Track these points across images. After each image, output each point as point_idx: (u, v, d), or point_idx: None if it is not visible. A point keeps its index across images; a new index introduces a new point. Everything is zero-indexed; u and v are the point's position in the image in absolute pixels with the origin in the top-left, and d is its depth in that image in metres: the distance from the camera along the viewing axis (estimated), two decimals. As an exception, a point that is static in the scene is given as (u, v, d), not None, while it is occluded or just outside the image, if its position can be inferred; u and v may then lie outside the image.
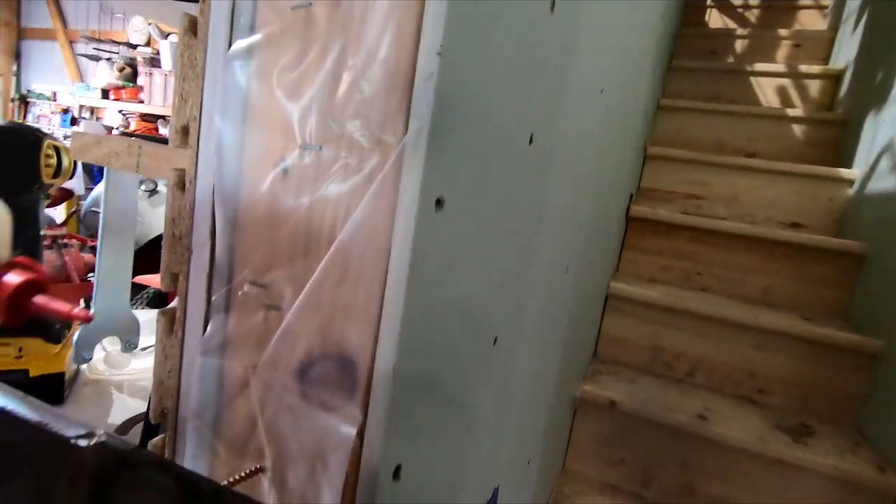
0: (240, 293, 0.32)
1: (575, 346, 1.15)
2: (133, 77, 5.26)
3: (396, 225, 0.27)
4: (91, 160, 0.42)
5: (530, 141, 0.41)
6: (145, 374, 0.80)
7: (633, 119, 1.32)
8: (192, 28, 0.31)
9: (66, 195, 3.34)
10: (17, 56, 6.72)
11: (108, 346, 0.58)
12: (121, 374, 0.70)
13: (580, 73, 0.54)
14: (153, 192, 3.12)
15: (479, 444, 0.47)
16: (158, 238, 2.90)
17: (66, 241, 2.97)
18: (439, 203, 0.28)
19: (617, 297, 1.55)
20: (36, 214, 0.81)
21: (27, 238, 0.77)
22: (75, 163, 0.90)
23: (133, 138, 0.41)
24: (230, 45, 0.30)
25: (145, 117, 5.03)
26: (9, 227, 0.24)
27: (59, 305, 0.23)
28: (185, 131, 0.32)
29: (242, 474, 0.31)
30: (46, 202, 0.87)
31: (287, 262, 0.30)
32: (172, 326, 0.34)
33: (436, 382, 0.33)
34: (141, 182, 3.07)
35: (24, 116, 6.25)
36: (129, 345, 0.53)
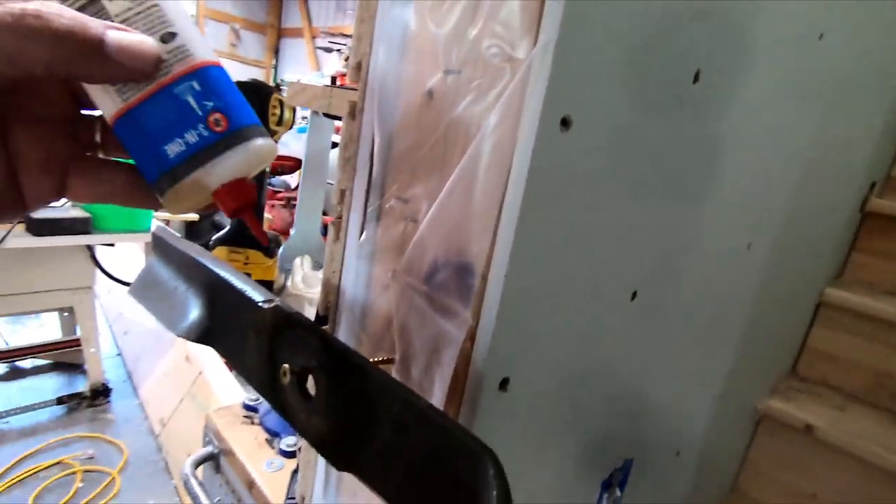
0: (387, 206, 0.37)
1: (757, 351, 1.00)
2: (358, 65, 6.07)
3: (518, 141, 0.28)
4: (300, 103, 0.52)
5: (695, 79, 0.38)
6: None
7: (877, 83, 1.05)
8: (370, -24, 0.36)
9: (298, 164, 4.06)
10: (276, 52, 8.28)
11: (304, 266, 0.72)
12: (313, 292, 0.86)
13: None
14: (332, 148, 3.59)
15: (606, 397, 0.46)
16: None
17: (296, 202, 3.61)
18: (565, 122, 0.29)
19: (834, 307, 1.27)
20: None
21: (256, 175, 0.99)
22: (292, 117, 1.11)
23: (326, 86, 0.50)
24: (398, -13, 0.35)
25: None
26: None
27: (256, 224, 0.31)
28: (358, 67, 0.38)
29: (376, 360, 0.36)
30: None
31: (426, 178, 0.34)
32: (338, 234, 0.41)
33: (551, 306, 0.34)
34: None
35: (277, 101, 7.67)
36: (318, 264, 0.65)
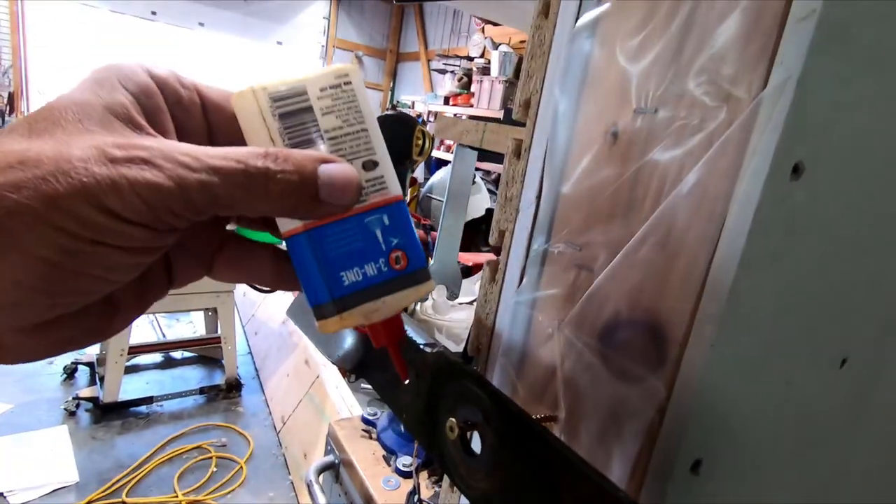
0: (556, 251, 0.34)
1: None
2: (468, 85, 6.21)
3: (737, 191, 0.24)
4: (448, 137, 0.52)
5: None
6: (460, 323, 0.96)
7: None
8: (545, 10, 0.35)
9: (412, 182, 4.22)
10: (394, 75, 8.77)
11: (436, 295, 0.73)
12: (442, 319, 0.86)
13: None
14: (472, 182, 3.64)
15: (800, 485, 0.39)
16: (470, 221, 3.38)
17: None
18: (796, 170, 0.24)
19: None
20: (404, 181, 1.09)
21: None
22: (431, 147, 1.15)
23: (477, 120, 0.49)
24: (576, 20, 0.33)
25: (473, 118, 5.90)
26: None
27: (399, 359, 0.30)
28: (526, 105, 0.36)
29: (538, 416, 0.34)
30: (411, 175, 1.14)
31: (604, 225, 0.31)
32: (495, 275, 0.40)
33: (755, 379, 0.29)
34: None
35: (393, 121, 8.11)
36: (452, 294, 0.65)
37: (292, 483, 2.51)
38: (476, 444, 0.31)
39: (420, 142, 1.05)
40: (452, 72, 6.54)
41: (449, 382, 0.33)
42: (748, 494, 0.32)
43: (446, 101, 6.45)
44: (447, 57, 6.65)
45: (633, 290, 0.29)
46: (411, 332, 0.36)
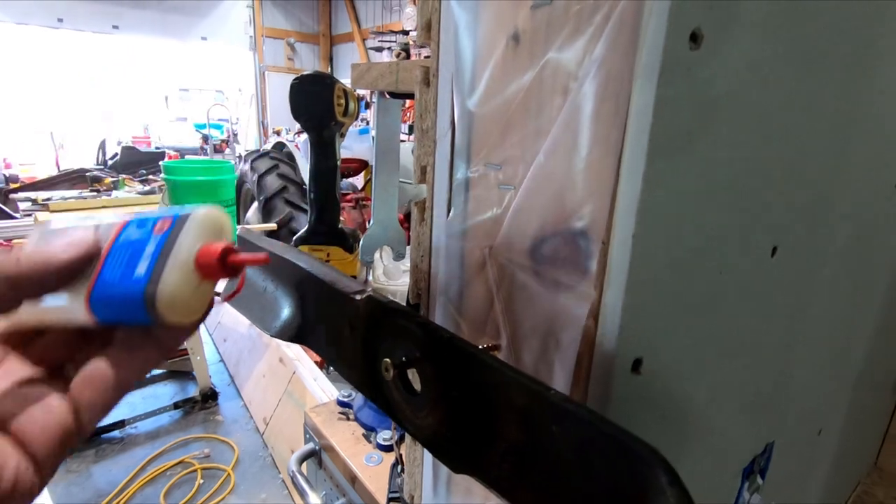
0: (477, 175, 0.33)
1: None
2: (407, 58, 6.08)
3: (638, 66, 0.23)
4: (365, 85, 0.49)
5: (841, -27, 0.30)
6: None
7: None
8: (432, -81, 0.32)
9: (363, 165, 4.14)
10: (330, 59, 8.52)
11: (384, 259, 0.70)
12: (395, 284, 0.84)
13: None
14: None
15: (746, 372, 0.39)
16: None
17: (365, 201, 3.68)
18: (694, 38, 0.23)
19: None
20: (333, 147, 1.04)
21: (327, 168, 0.99)
22: (357, 107, 1.10)
23: (391, 61, 0.46)
24: (464, -77, 0.30)
25: (416, 94, 5.78)
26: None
27: (246, 255, 0.28)
28: (427, 26, 0.34)
29: (482, 346, 0.33)
30: (341, 140, 1.09)
31: (520, 136, 0.30)
32: (423, 215, 0.38)
33: (686, 270, 0.28)
34: (412, 151, 3.58)
35: (336, 107, 7.90)
36: (398, 255, 0.63)
37: (283, 481, 2.49)
38: (417, 384, 0.30)
39: (342, 101, 1.01)
40: (389, 48, 6.39)
41: (381, 324, 0.31)
42: (692, 387, 0.31)
43: (387, 78, 6.29)
44: (382, 34, 6.49)
45: (554, 198, 0.28)
46: (339, 281, 0.34)
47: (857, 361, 0.71)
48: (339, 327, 0.35)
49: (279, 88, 8.14)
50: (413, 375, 0.29)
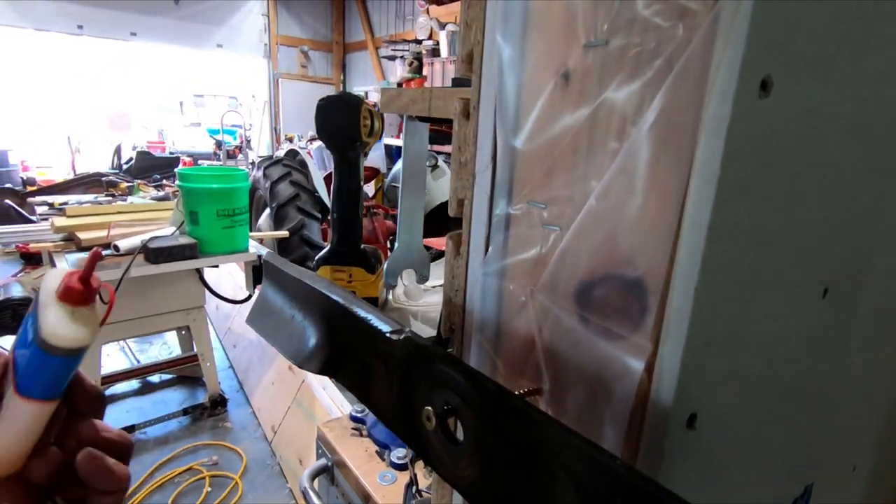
0: (520, 213, 0.32)
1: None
2: (419, 69, 6.11)
3: (705, 116, 0.22)
4: (395, 110, 0.49)
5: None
6: (435, 307, 0.93)
7: None
8: (476, -49, 0.31)
9: (374, 173, 4.15)
10: (343, 67, 8.59)
11: (406, 280, 0.69)
12: (416, 305, 0.83)
13: None
14: (434, 167, 3.60)
15: (792, 416, 0.38)
16: (439, 207, 3.34)
17: (375, 210, 3.68)
18: (764, 86, 0.22)
19: None
20: (358, 167, 1.03)
21: (351, 188, 0.99)
22: (382, 126, 1.10)
23: (424, 88, 0.46)
24: (511, -43, 0.30)
25: (428, 102, 5.78)
26: None
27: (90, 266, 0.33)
28: (469, 58, 0.33)
29: (522, 391, 0.32)
30: (364, 160, 1.09)
31: (567, 177, 0.29)
32: (459, 248, 0.37)
33: (743, 320, 0.27)
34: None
35: (348, 114, 7.92)
36: (422, 277, 0.62)
37: (291, 491, 2.48)
38: (459, 431, 0.29)
39: (368, 121, 1.00)
40: (402, 57, 6.42)
41: (420, 368, 0.30)
42: (747, 438, 0.30)
43: (400, 86, 6.34)
44: (395, 42, 6.52)
45: (605, 243, 0.27)
46: (374, 318, 0.33)
47: (889, 391, 0.69)
48: (373, 364, 0.34)
49: (292, 95, 8.21)
50: (455, 423, 0.28)
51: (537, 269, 0.31)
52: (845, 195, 0.32)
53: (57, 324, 0.31)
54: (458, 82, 0.47)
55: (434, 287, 0.78)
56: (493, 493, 0.26)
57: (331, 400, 2.43)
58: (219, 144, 6.68)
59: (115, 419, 2.89)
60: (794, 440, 0.40)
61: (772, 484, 0.38)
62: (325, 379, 2.60)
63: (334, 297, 0.38)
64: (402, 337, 0.31)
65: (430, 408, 0.28)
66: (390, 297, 0.78)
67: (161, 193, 3.93)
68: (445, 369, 0.28)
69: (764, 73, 0.22)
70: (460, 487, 0.29)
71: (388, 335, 0.32)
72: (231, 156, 6.98)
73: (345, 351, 0.38)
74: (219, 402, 3.06)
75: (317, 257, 1.28)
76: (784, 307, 0.30)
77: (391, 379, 0.32)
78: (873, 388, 0.61)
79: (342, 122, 0.99)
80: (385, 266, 0.63)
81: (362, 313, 0.34)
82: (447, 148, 4.76)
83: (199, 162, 6.61)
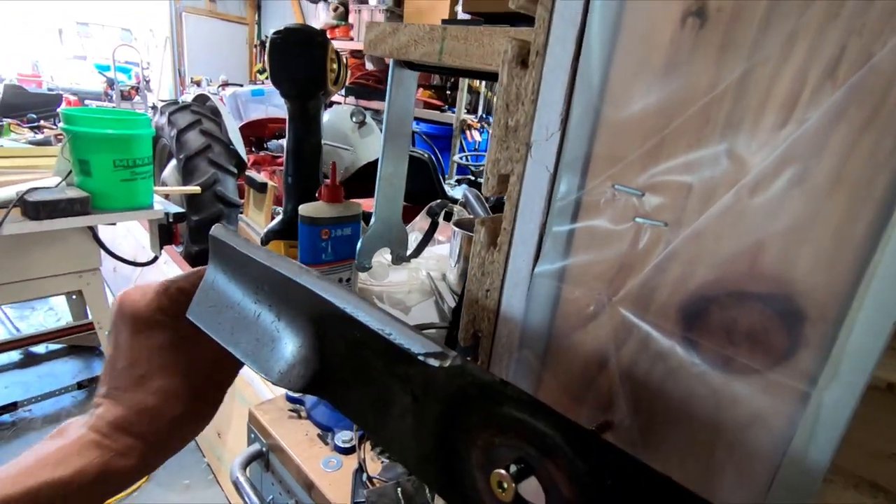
0: (600, 199, 0.24)
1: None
2: (345, 16, 5.67)
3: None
4: (386, 52, 0.38)
5: None
6: (401, 287, 0.84)
7: None
8: None
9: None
10: (258, 6, 7.81)
11: (375, 260, 0.60)
12: (380, 285, 0.74)
13: None
14: (362, 123, 3.39)
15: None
16: (366, 166, 3.17)
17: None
18: None
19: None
20: (319, 120, 0.88)
21: (311, 146, 0.85)
22: (346, 74, 0.95)
23: (433, 25, 0.37)
24: None
25: (354, 53, 5.41)
26: None
27: None
28: (535, -16, 0.24)
29: (594, 427, 0.25)
30: (324, 112, 0.94)
31: (687, 157, 0.21)
32: (496, 239, 0.29)
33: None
34: (351, 115, 3.35)
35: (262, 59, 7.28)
36: (398, 257, 0.54)
37: (209, 465, 2.32)
38: (528, 493, 0.21)
39: (335, 65, 0.85)
40: (326, 1, 5.92)
41: (475, 410, 0.22)
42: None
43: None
44: (318, -17, 5.98)
45: (743, 252, 0.20)
46: (401, 337, 0.25)
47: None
48: (392, 392, 0.26)
49: (199, 33, 7.34)
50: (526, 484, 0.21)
51: (621, 275, 0.24)
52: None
53: None
54: (452, 23, 0.38)
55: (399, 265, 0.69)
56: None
57: (259, 379, 2.28)
58: (111, 83, 5.83)
59: (-9, 396, 2.53)
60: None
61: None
62: (247, 348, 2.43)
63: (330, 298, 0.28)
64: (447, 364, 0.23)
65: (503, 472, 0.20)
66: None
67: (39, 136, 3.37)
68: (526, 417, 0.20)
69: None
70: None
71: (422, 359, 0.24)
72: (126, 97, 6.16)
73: (343, 366, 0.29)
74: (121, 375, 2.77)
75: (265, 229, 1.08)
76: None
77: (425, 416, 0.24)
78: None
79: (306, 65, 0.82)
80: (358, 245, 0.53)
81: (377, 325, 0.26)
82: (375, 104, 4.52)
83: (87, 102, 5.77)
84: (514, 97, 0.26)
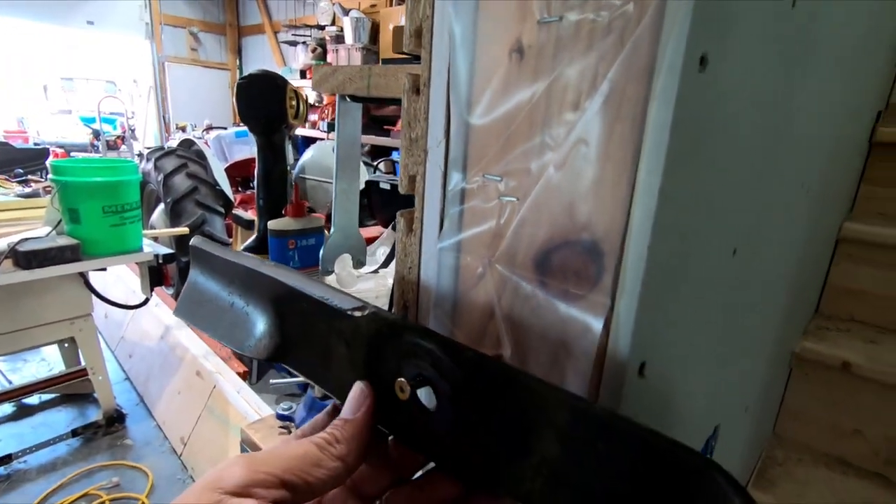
0: (475, 186, 0.33)
1: (798, 295, 0.98)
2: (323, 56, 5.89)
3: (655, 88, 0.24)
4: (329, 89, 0.47)
5: (793, 5, 0.34)
6: (368, 293, 0.92)
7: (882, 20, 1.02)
8: (423, -76, 0.31)
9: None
10: (239, 51, 8.04)
11: (339, 267, 0.68)
12: (349, 292, 0.81)
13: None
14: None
15: (714, 362, 0.43)
16: (352, 196, 3.27)
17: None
18: (703, 61, 0.25)
19: (853, 241, 1.25)
20: (283, 150, 0.99)
21: (279, 171, 0.94)
22: (307, 110, 1.05)
23: (364, 65, 0.44)
24: (460, -67, 0.30)
25: (335, 91, 5.60)
26: None
27: None
28: (418, 33, 0.33)
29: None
30: (289, 143, 1.03)
31: (524, 148, 0.30)
32: (412, 226, 0.37)
33: (682, 275, 0.30)
34: (333, 150, 3.48)
35: (247, 102, 7.43)
36: (358, 262, 0.61)
37: (207, 504, 2.33)
38: (427, 401, 0.29)
39: (294, 101, 0.95)
40: (304, 43, 6.15)
41: (389, 342, 0.30)
42: (679, 383, 0.34)
43: (302, 74, 6.09)
44: (296, 27, 6.23)
45: (563, 211, 0.28)
46: (331, 297, 0.33)
47: (771, 342, 0.80)
48: (332, 346, 0.33)
49: (182, 81, 7.54)
50: (422, 395, 0.29)
51: (495, 241, 0.32)
52: (754, 171, 0.37)
53: None
54: (387, 62, 0.47)
55: (367, 274, 0.76)
56: (470, 456, 0.27)
57: (246, 403, 2.31)
58: (96, 134, 5.96)
59: (-14, 449, 2.52)
60: (714, 385, 0.45)
61: (695, 424, 0.43)
62: (241, 382, 2.46)
63: (282, 279, 0.36)
64: (366, 313, 0.31)
65: (402, 379, 0.28)
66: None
67: (28, 190, 3.44)
68: (418, 340, 0.28)
69: (703, 50, 0.24)
70: (434, 455, 0.29)
71: (349, 313, 0.31)
72: (112, 147, 6.28)
73: (297, 334, 0.36)
74: (115, 419, 2.77)
75: (242, 247, 1.18)
76: (708, 262, 0.33)
77: (355, 357, 0.32)
78: (764, 341, 0.71)
79: (267, 103, 0.93)
80: (321, 253, 0.61)
81: (318, 294, 0.34)
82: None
83: (74, 154, 5.86)
84: (413, 116, 0.35)
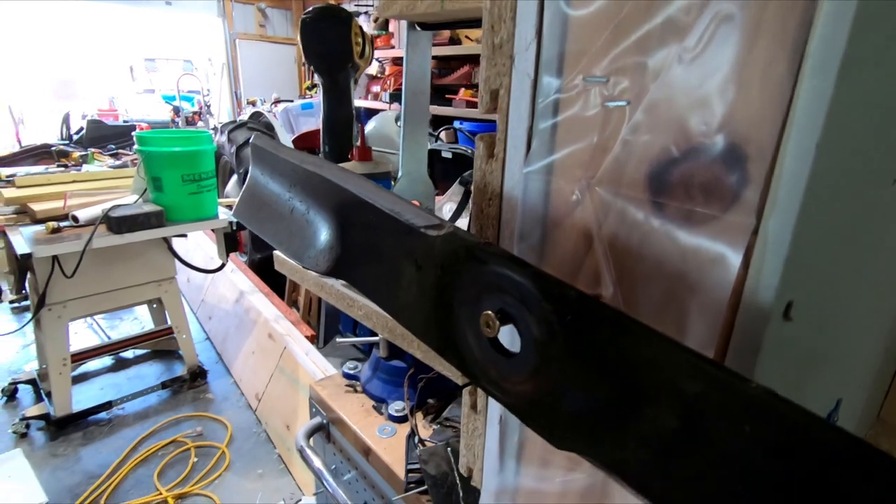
0: (573, 93, 0.27)
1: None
2: (385, 25, 5.83)
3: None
4: (397, 13, 0.43)
5: None
6: None
7: None
8: None
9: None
10: (304, 25, 8.12)
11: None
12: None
13: None
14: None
15: (847, 322, 0.36)
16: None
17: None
18: None
19: None
20: (349, 93, 0.96)
21: (343, 116, 0.92)
22: (372, 51, 1.02)
23: None
24: None
25: (396, 60, 5.56)
26: None
27: None
28: (505, -87, 0.28)
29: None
30: (355, 87, 1.01)
31: (637, 40, 0.24)
32: (492, 150, 0.32)
33: (848, 196, 0.24)
34: (396, 119, 3.45)
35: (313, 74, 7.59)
36: (428, 210, 0.58)
37: (280, 456, 2.46)
38: (509, 343, 0.25)
39: (360, 39, 0.92)
40: (367, 13, 6.12)
41: (468, 270, 0.26)
42: (827, 337, 0.27)
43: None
44: (359, -3, 6.18)
45: (692, 109, 0.23)
46: (403, 211, 0.29)
47: (887, 320, 0.69)
48: (400, 266, 0.30)
49: (251, 57, 7.79)
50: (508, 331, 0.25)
51: (596, 158, 0.27)
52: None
53: None
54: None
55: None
56: (555, 410, 0.23)
57: (314, 365, 2.40)
58: (176, 111, 6.31)
59: (90, 396, 2.81)
60: (850, 347, 0.38)
61: (829, 390, 0.37)
62: (308, 345, 2.56)
63: (347, 186, 0.32)
64: (443, 232, 0.27)
65: (490, 312, 0.24)
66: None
67: (119, 162, 3.71)
68: (504, 271, 0.24)
69: None
70: (511, 404, 0.25)
71: (423, 230, 0.27)
72: (190, 122, 6.63)
73: (362, 249, 0.33)
74: (198, 374, 3.00)
75: None
76: (869, 183, 0.26)
77: (424, 281, 0.28)
78: (890, 307, 0.61)
79: (332, 39, 0.91)
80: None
81: (387, 206, 0.30)
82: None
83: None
84: (496, 17, 0.30)
